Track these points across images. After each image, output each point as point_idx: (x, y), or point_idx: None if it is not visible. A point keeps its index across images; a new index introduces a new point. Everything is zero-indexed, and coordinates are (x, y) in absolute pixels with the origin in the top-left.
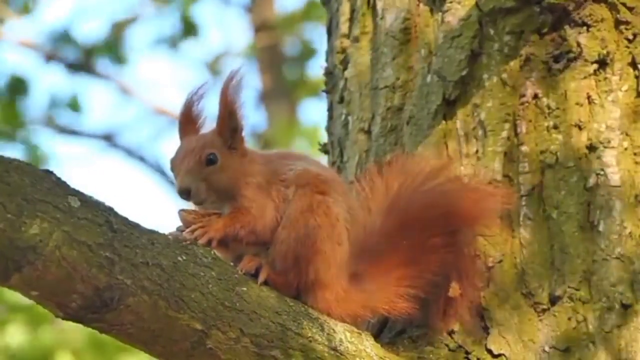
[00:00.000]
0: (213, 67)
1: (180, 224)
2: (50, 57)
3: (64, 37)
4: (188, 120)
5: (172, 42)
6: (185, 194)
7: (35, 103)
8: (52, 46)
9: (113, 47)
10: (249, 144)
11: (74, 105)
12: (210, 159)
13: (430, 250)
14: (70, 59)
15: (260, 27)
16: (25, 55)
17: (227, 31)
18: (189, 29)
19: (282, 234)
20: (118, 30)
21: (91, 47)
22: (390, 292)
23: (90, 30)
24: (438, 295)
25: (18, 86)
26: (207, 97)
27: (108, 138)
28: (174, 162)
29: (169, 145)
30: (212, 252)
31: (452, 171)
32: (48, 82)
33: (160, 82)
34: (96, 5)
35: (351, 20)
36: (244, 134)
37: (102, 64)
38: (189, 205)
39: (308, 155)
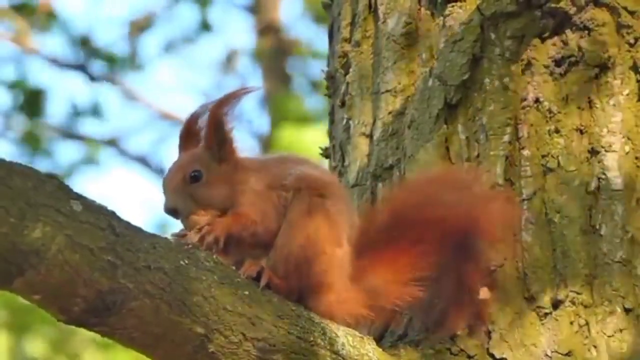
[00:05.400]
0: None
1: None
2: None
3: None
4: (189, 136)
5: (187, 41)
6: (171, 212)
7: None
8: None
9: (130, 57)
10: (251, 150)
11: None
12: (194, 176)
13: (427, 238)
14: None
15: (264, 30)
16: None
17: (231, 35)
18: (204, 27)
19: (282, 237)
20: (133, 33)
21: (108, 55)
22: (393, 283)
23: (105, 31)
24: (441, 300)
25: (36, 99)
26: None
27: (113, 143)
28: (163, 181)
29: (173, 150)
30: (214, 256)
31: (474, 183)
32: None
33: (166, 86)
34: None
35: (352, 24)
36: (234, 144)
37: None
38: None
39: (307, 159)
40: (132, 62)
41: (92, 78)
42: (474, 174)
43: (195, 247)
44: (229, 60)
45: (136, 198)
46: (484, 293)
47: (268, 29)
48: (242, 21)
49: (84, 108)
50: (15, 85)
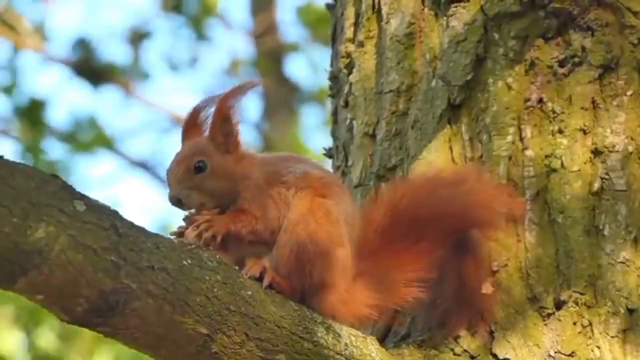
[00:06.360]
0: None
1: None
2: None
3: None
4: (192, 127)
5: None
6: (176, 203)
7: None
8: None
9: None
10: (251, 148)
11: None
12: (198, 167)
13: (427, 236)
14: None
15: (262, 34)
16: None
17: (230, 39)
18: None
19: (284, 237)
20: (135, 42)
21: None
22: (393, 283)
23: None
24: (444, 301)
25: (37, 107)
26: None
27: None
28: (167, 171)
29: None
30: (217, 256)
31: (470, 180)
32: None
33: (164, 86)
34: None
35: (356, 24)
36: (239, 138)
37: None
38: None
39: (309, 158)
40: (136, 70)
41: (94, 83)
42: (470, 169)
43: (197, 245)
44: (231, 68)
45: (136, 201)
46: (486, 288)
47: (266, 32)
48: (240, 29)
49: (84, 119)
50: (11, 90)
